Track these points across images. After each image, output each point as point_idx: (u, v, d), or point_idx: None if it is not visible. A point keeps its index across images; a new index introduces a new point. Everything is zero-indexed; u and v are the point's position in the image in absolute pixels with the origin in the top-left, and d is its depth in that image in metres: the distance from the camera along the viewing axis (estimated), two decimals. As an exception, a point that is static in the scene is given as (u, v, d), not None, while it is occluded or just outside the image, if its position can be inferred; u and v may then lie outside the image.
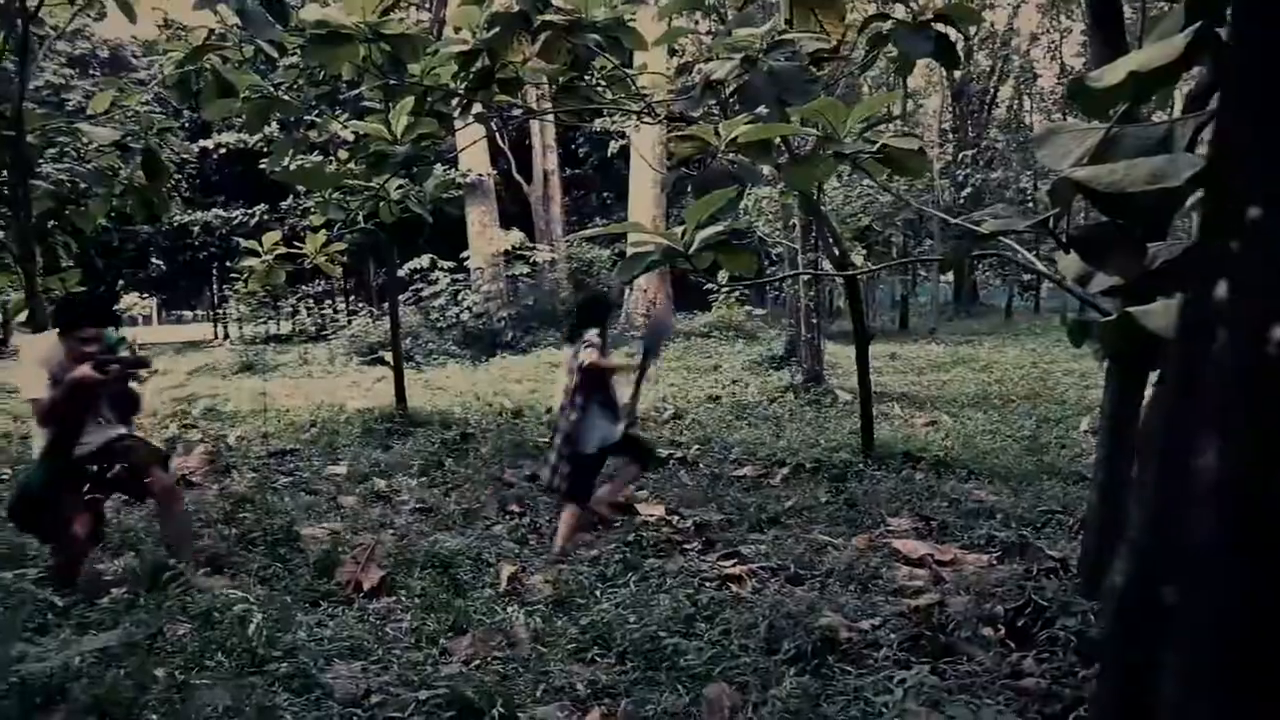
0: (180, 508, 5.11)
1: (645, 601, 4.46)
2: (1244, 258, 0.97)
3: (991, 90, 36.92)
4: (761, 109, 5.05)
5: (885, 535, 5.80)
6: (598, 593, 4.69)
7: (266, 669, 3.61)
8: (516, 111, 8.35)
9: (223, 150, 23.10)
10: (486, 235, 21.95)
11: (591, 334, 5.65)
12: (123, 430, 4.98)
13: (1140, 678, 1.11)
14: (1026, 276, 33.81)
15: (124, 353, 4.86)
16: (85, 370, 4.46)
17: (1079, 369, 14.59)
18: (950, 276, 36.29)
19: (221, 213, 27.00)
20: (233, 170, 26.52)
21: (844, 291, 12.01)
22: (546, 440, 6.01)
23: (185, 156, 12.40)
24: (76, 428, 4.68)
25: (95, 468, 4.85)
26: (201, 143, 21.82)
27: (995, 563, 5.21)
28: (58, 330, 4.69)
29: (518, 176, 25.08)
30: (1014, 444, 8.59)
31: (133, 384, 4.94)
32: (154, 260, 29.87)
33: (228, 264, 24.17)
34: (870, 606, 4.44)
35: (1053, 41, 38.05)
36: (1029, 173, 28.64)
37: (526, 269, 23.07)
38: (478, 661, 3.87)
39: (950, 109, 35.03)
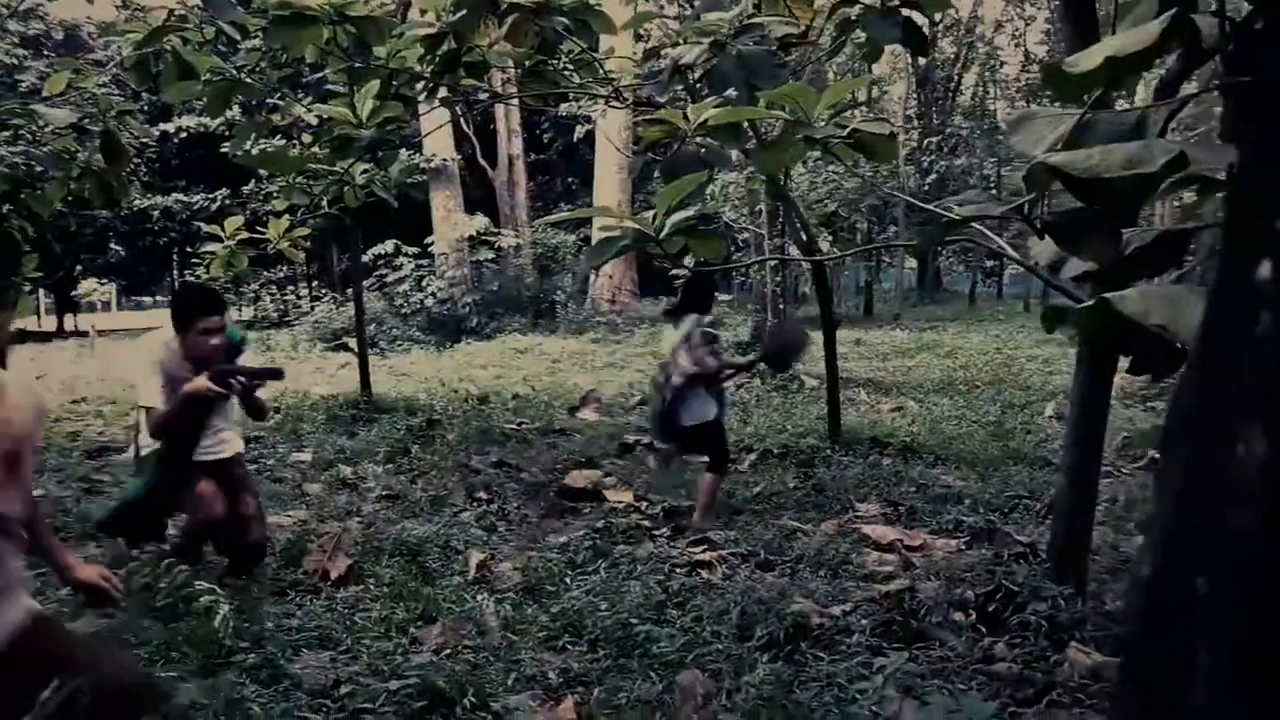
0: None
1: (616, 588, 4.45)
2: None
3: (956, 77, 37.09)
4: (730, 93, 5.02)
5: (854, 521, 5.82)
6: (568, 580, 4.67)
7: (234, 660, 3.56)
8: (482, 95, 8.26)
9: (183, 134, 22.77)
10: (451, 220, 21.80)
11: (692, 320, 5.75)
12: (237, 447, 4.75)
13: (1165, 671, 1.08)
14: (989, 262, 34.09)
15: (248, 350, 4.68)
16: (202, 383, 4.19)
17: (1043, 355, 14.73)
18: (914, 262, 36.57)
19: (182, 197, 26.66)
20: (194, 154, 26.17)
21: (810, 277, 12.02)
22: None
23: (145, 140, 12.20)
24: (192, 441, 4.43)
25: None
26: (162, 126, 21.48)
27: (964, 548, 5.24)
28: (175, 327, 4.36)
29: (482, 161, 24.94)
30: (980, 429, 8.65)
31: (258, 393, 4.61)
32: (113, 245, 29.47)
33: (189, 249, 23.80)
34: (841, 592, 4.45)
35: (1017, 29, 38.25)
36: (993, 159, 28.86)
37: (491, 254, 22.95)
38: (448, 650, 3.83)
39: (915, 95, 35.19)
